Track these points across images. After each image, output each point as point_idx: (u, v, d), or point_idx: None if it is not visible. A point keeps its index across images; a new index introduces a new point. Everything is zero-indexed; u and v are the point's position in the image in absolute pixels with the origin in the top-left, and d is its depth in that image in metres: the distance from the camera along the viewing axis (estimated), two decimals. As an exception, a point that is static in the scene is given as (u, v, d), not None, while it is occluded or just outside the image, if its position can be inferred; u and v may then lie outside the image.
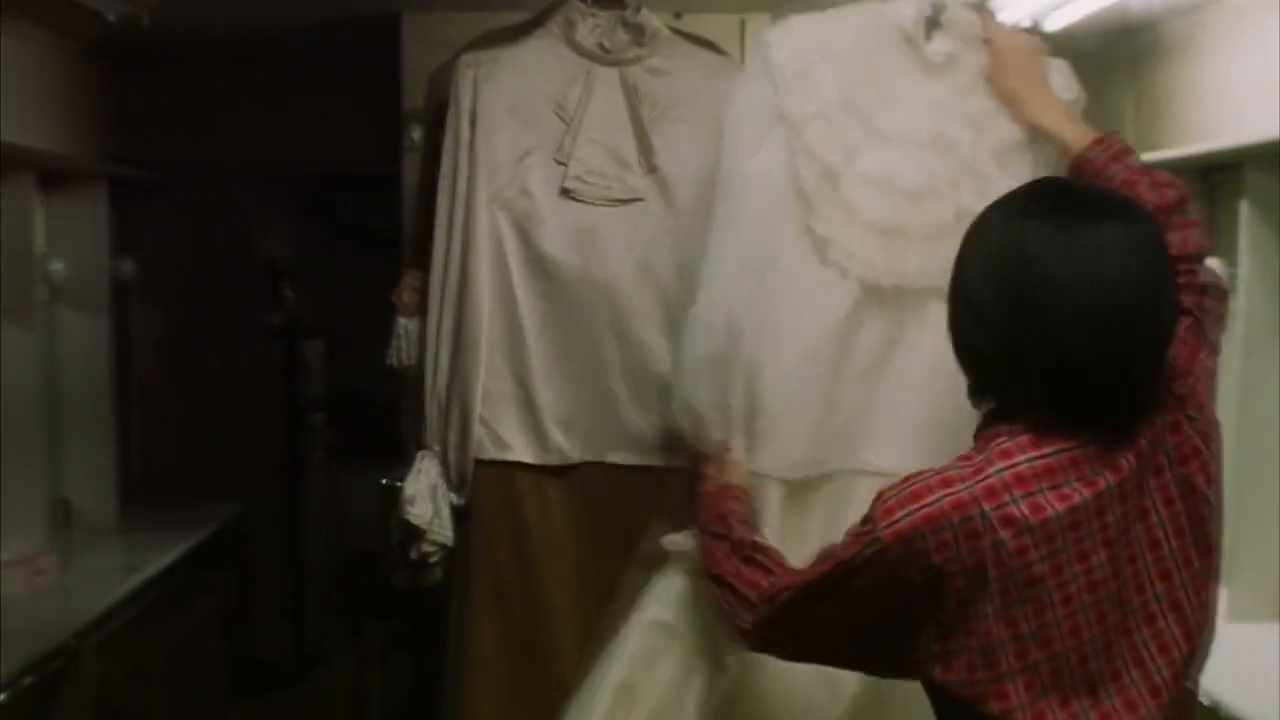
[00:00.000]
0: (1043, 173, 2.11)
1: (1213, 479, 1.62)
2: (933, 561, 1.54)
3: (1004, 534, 1.51)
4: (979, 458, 1.57)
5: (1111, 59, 4.33)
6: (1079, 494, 1.52)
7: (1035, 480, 1.53)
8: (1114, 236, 1.54)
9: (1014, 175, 2.12)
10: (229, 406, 5.37)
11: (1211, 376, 1.70)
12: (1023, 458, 1.54)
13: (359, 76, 4.50)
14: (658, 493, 2.77)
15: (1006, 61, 2.23)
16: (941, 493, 1.54)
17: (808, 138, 2.25)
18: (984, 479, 1.53)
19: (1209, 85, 3.89)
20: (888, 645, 1.64)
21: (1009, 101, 2.22)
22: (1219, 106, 3.79)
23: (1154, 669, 1.57)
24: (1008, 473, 1.53)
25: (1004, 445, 1.56)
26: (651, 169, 2.71)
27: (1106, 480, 1.53)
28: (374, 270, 3.67)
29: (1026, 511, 1.51)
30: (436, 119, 2.78)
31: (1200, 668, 1.66)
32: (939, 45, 2.29)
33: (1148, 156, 4.02)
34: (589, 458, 2.75)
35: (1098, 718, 1.55)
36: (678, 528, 2.25)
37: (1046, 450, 1.54)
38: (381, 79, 4.09)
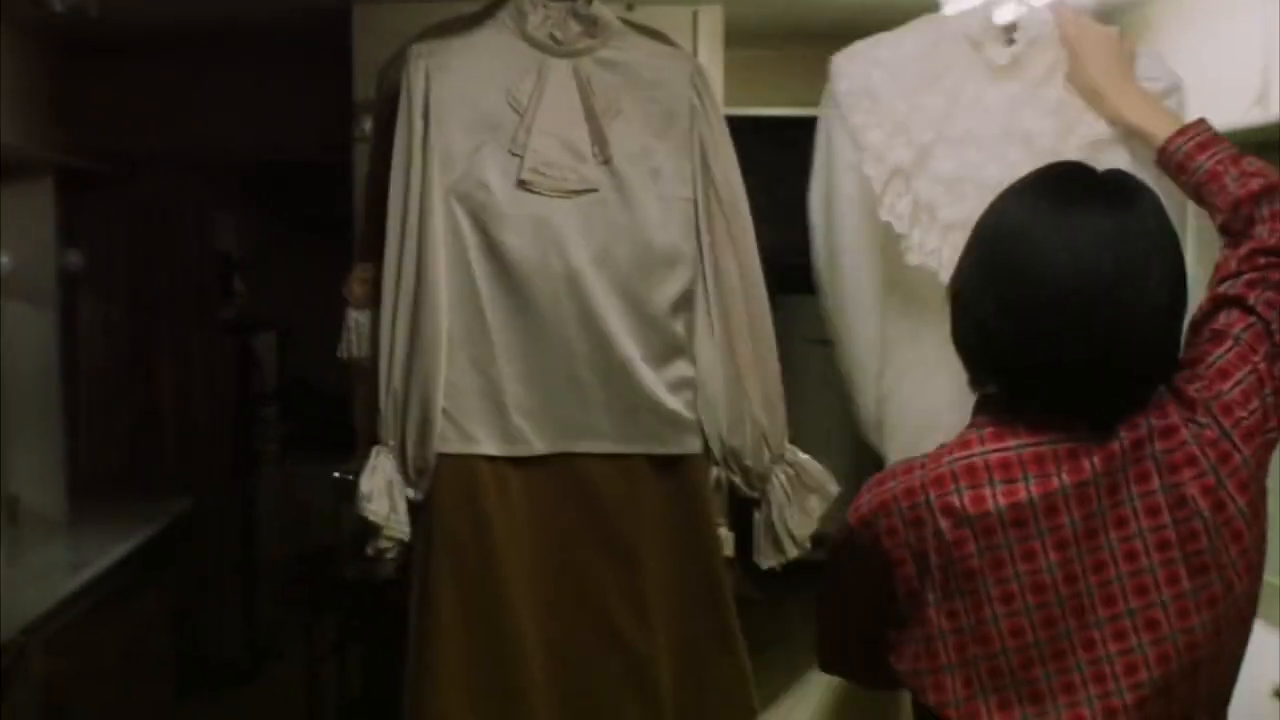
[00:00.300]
0: (1139, 168, 1.98)
1: (1213, 491, 1.48)
2: (883, 545, 1.54)
3: (943, 523, 1.51)
4: (945, 446, 1.56)
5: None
6: (1027, 491, 1.49)
7: (986, 472, 1.50)
8: (1091, 224, 1.49)
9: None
10: (179, 400, 5.33)
11: (1263, 384, 1.55)
12: (979, 449, 1.52)
13: (309, 67, 4.47)
14: (626, 481, 2.77)
15: (1083, 57, 2.16)
16: (900, 479, 1.55)
17: (870, 141, 2.30)
18: (939, 467, 1.53)
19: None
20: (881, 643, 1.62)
21: (1090, 97, 2.16)
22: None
23: (1114, 689, 1.48)
24: (960, 463, 1.52)
25: (967, 436, 1.55)
26: (605, 160, 2.71)
27: (1062, 480, 1.49)
28: (326, 262, 3.64)
29: (966, 503, 1.50)
30: (388, 110, 2.76)
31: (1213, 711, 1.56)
32: (1007, 48, 2.29)
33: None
34: (555, 448, 2.74)
35: None
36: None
37: (1009, 444, 1.52)
38: (332, 69, 4.06)
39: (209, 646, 5.27)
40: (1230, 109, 3.28)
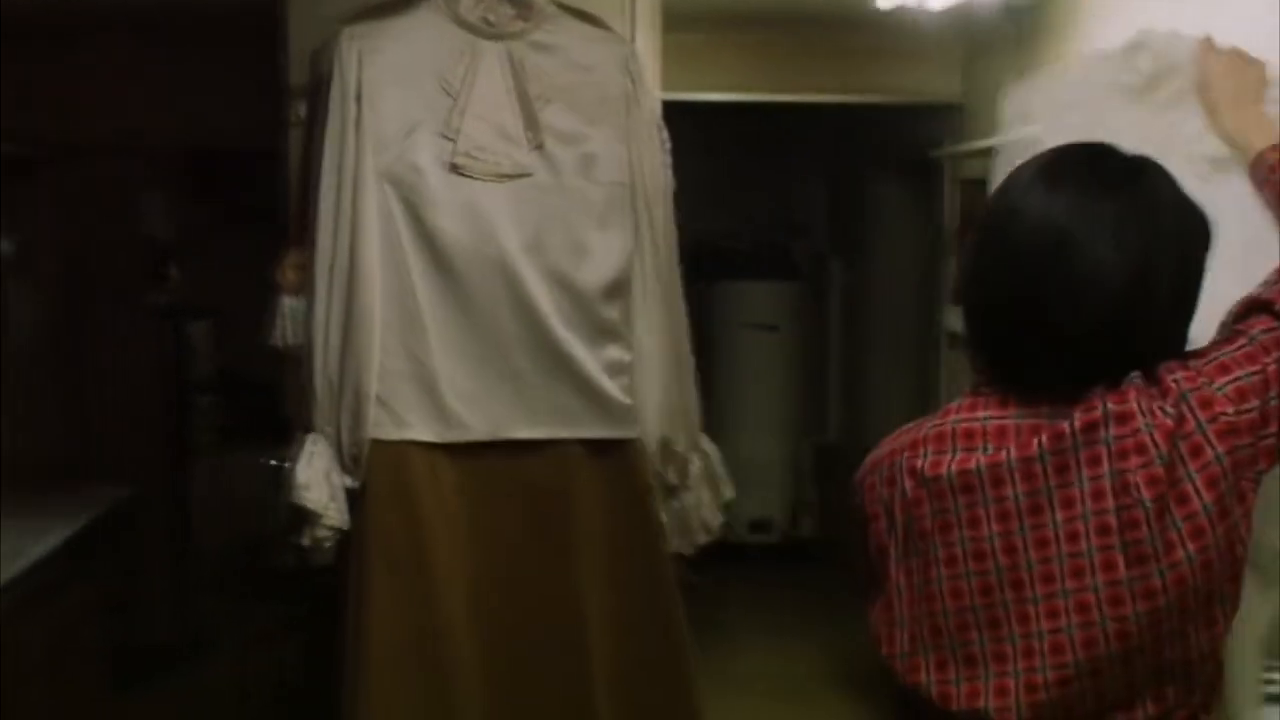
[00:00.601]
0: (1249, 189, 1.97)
1: (1160, 482, 1.47)
2: (865, 501, 1.61)
3: (907, 483, 1.56)
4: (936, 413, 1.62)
5: (993, 38, 4.39)
6: (977, 460, 1.52)
7: (951, 439, 1.55)
8: (1069, 200, 1.52)
9: (1216, 187, 2.00)
10: (112, 389, 5.27)
11: (1269, 387, 1.52)
12: (953, 418, 1.57)
13: (241, 50, 4.41)
14: (562, 466, 2.77)
15: (1209, 77, 2.16)
16: (896, 440, 1.62)
17: None
18: (920, 431, 1.59)
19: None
20: None
21: (1209, 114, 2.16)
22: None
23: (1039, 665, 1.50)
24: (934, 429, 1.57)
25: (950, 405, 1.60)
26: (538, 144, 2.71)
27: (1009, 453, 1.51)
28: (263, 249, 3.61)
29: (926, 466, 1.55)
30: (321, 94, 2.74)
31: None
32: (1142, 69, 2.35)
33: (1029, 134, 4.10)
34: (490, 434, 2.73)
35: (967, 690, 1.54)
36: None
37: (979, 414, 1.56)
38: (264, 53, 4.01)
39: (145, 636, 5.22)
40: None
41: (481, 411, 2.71)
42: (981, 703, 1.52)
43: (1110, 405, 1.49)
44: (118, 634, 4.69)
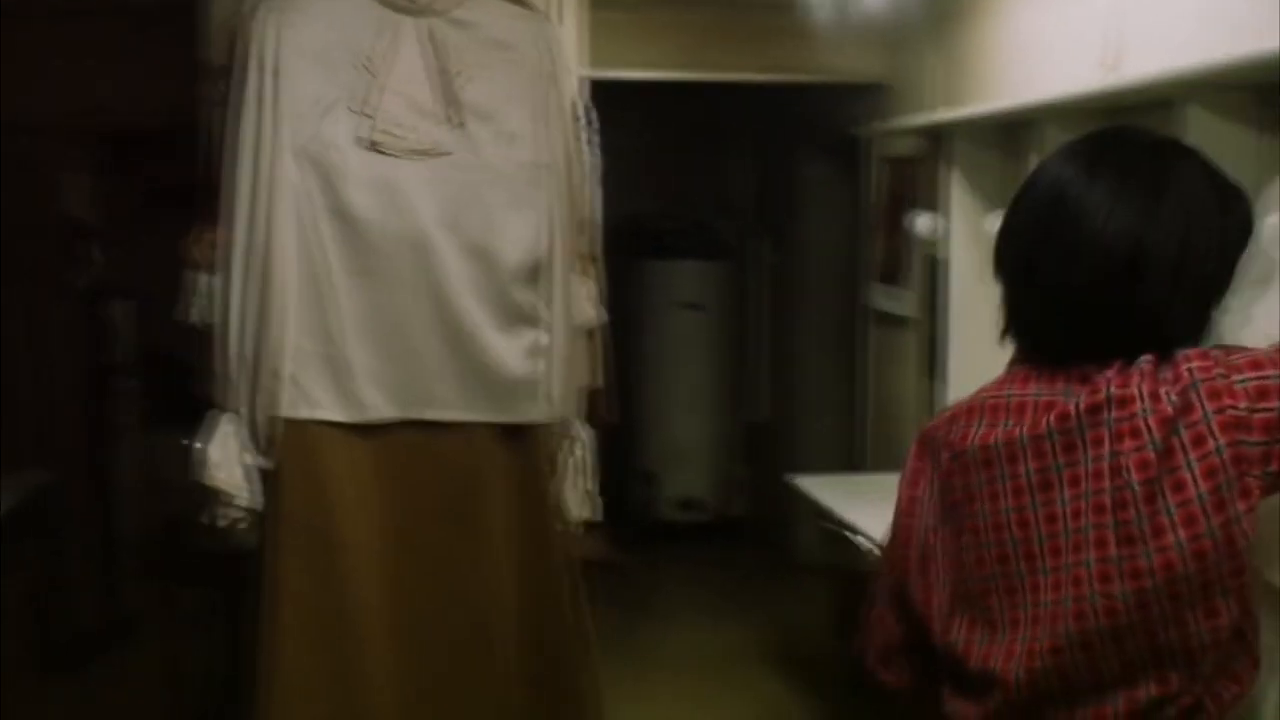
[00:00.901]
0: None
1: (1151, 466, 1.49)
2: (914, 465, 1.70)
3: (943, 454, 1.64)
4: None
5: (915, 18, 4.42)
6: (997, 435, 1.58)
7: (980, 413, 1.62)
8: (1080, 172, 1.57)
9: None
10: (33, 372, 5.19)
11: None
12: (985, 393, 1.64)
13: (162, 28, 4.35)
14: (472, 449, 2.76)
15: None
16: (947, 411, 1.70)
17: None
18: (963, 403, 1.66)
19: (1009, 44, 4.00)
20: None
21: None
22: (1018, 64, 3.90)
23: (1041, 634, 1.55)
24: (970, 402, 1.65)
25: (991, 380, 1.66)
26: (457, 122, 2.69)
27: (1021, 430, 1.57)
28: (185, 229, 3.57)
29: (956, 438, 1.63)
30: (238, 70, 2.71)
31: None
32: None
33: (948, 115, 4.14)
34: (401, 415, 2.72)
35: (985, 651, 1.60)
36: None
37: (1005, 391, 1.61)
38: (185, 30, 3.96)
39: (68, 622, 5.16)
40: (1075, 74, 3.36)
41: (391, 392, 2.69)
42: (992, 664, 1.59)
43: (1114, 389, 1.52)
44: (43, 619, 4.64)
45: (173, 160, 5.14)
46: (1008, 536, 1.58)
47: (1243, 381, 1.50)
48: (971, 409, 1.64)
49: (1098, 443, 1.52)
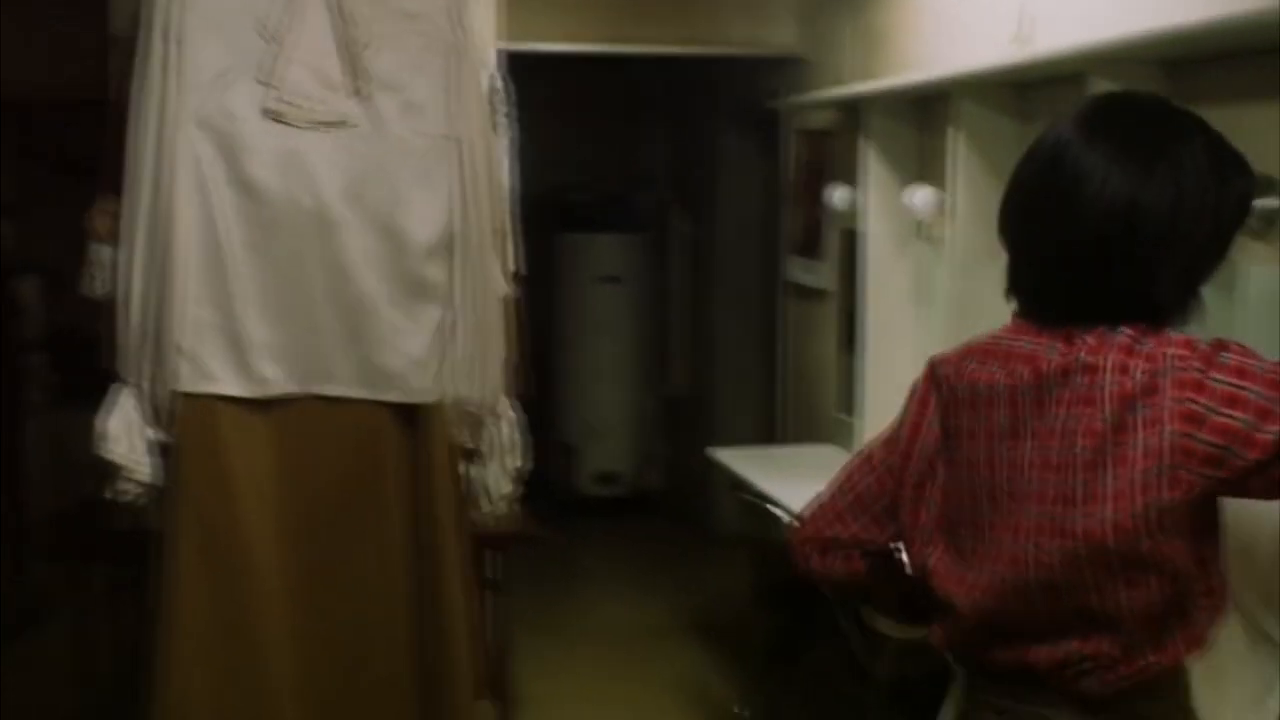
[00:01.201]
0: None
1: (1099, 435, 1.53)
2: (919, 398, 1.75)
3: (944, 387, 1.71)
4: None
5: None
6: (983, 380, 1.65)
7: (981, 355, 1.68)
8: (1078, 134, 1.60)
9: None
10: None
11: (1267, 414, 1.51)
12: (986, 337, 1.70)
13: (73, 2, 4.25)
14: (369, 426, 2.73)
15: None
16: (963, 345, 1.75)
17: None
18: (976, 341, 1.72)
19: (924, 17, 4.01)
20: None
21: None
22: (932, 38, 3.92)
23: (989, 571, 1.63)
24: (977, 343, 1.71)
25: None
26: (361, 93, 2.65)
27: (999, 378, 1.63)
28: (93, 203, 3.50)
29: (953, 375, 1.70)
30: (142, 39, 2.65)
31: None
32: None
33: (863, 88, 4.16)
34: (298, 389, 2.68)
35: (948, 577, 1.69)
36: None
37: (1001, 337, 1.67)
38: (96, 4, 3.87)
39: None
40: (988, 48, 3.38)
41: (289, 367, 2.65)
42: (951, 590, 1.68)
43: (1084, 356, 1.57)
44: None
45: (82, 132, 5.05)
46: (980, 475, 1.66)
47: (1217, 382, 1.51)
48: (971, 350, 1.70)
49: (1060, 403, 1.58)
